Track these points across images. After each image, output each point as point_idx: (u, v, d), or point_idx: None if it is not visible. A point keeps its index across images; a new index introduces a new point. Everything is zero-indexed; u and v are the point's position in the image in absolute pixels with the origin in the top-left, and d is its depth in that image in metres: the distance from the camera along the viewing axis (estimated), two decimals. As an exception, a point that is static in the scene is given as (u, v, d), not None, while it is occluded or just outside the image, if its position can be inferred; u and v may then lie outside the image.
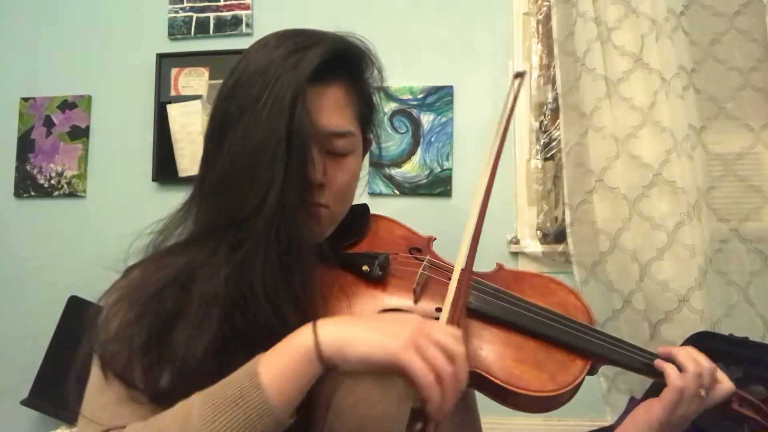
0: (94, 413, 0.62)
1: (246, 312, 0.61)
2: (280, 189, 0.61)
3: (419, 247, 0.79)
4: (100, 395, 0.63)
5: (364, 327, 0.55)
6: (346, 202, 0.75)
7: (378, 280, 0.72)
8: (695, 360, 0.68)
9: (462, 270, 0.66)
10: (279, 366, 0.54)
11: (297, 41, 0.67)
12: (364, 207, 0.83)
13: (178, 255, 0.67)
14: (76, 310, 1.95)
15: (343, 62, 0.70)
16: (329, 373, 0.65)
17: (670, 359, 0.70)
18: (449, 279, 0.68)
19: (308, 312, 0.63)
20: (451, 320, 0.60)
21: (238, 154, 0.63)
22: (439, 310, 0.68)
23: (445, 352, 0.54)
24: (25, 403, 1.91)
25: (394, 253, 0.76)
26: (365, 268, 0.71)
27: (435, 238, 0.82)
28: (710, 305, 1.64)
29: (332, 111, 0.68)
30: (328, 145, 0.69)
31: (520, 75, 0.83)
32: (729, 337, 1.44)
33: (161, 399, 0.60)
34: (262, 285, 0.61)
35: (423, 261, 0.76)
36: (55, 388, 1.87)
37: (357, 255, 0.74)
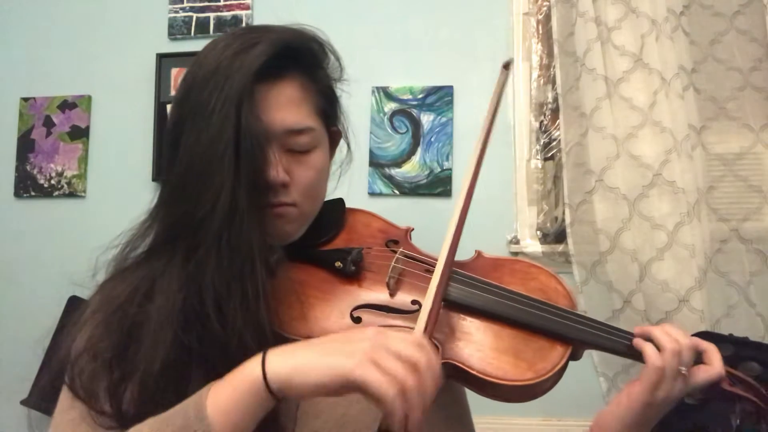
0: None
1: (196, 324, 0.60)
2: (230, 193, 0.60)
3: (396, 239, 0.78)
4: (65, 413, 0.64)
5: (315, 351, 0.53)
6: (316, 199, 0.73)
7: (352, 276, 0.71)
8: (672, 337, 0.66)
9: (442, 270, 0.65)
10: (226, 398, 0.52)
11: (244, 40, 0.65)
12: (340, 201, 0.81)
13: (138, 268, 0.66)
14: (76, 310, 1.95)
15: (294, 56, 0.68)
16: None
17: (647, 338, 0.67)
18: (424, 270, 0.68)
19: (261, 321, 0.61)
20: (425, 329, 0.56)
21: (190, 161, 0.63)
22: (414, 302, 0.67)
23: (405, 362, 0.50)
24: (25, 403, 1.91)
25: (368, 246, 0.75)
26: (338, 264, 0.70)
27: (413, 229, 0.80)
28: (710, 305, 1.64)
29: (286, 107, 0.67)
30: (288, 143, 0.67)
31: (507, 65, 0.81)
32: (729, 337, 1.44)
33: (125, 420, 0.60)
34: (212, 294, 0.60)
35: (396, 253, 0.74)
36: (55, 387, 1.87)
37: (329, 251, 0.73)
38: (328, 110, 0.75)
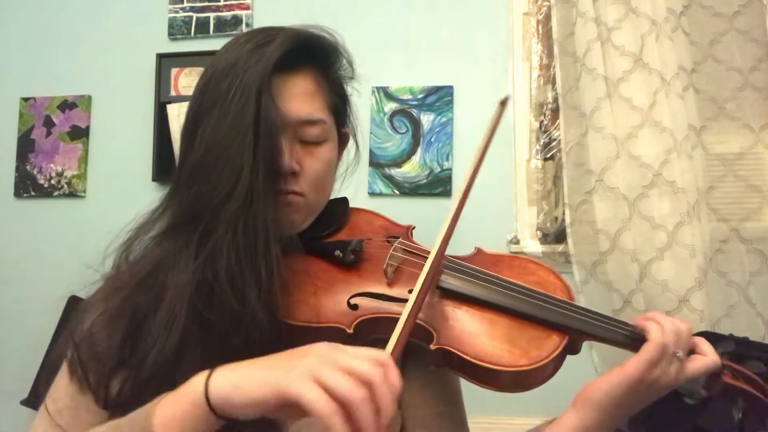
0: (56, 413, 0.65)
1: (211, 300, 0.62)
2: (249, 176, 0.63)
3: (397, 235, 0.79)
4: (63, 399, 0.66)
5: (258, 369, 0.51)
6: (323, 192, 0.75)
7: (351, 265, 0.72)
8: (672, 321, 0.67)
9: (431, 263, 0.65)
10: (172, 412, 0.52)
11: (263, 36, 0.69)
12: (344, 200, 0.84)
13: (153, 250, 0.68)
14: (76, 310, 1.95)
15: (310, 52, 0.72)
16: None
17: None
18: (423, 261, 0.68)
19: (272, 300, 0.64)
20: (394, 350, 0.53)
21: (208, 146, 0.65)
22: (411, 291, 0.67)
23: (356, 378, 0.47)
24: (25, 403, 1.91)
25: (368, 238, 0.77)
26: (338, 253, 0.72)
27: (414, 227, 0.82)
28: (710, 305, 1.64)
29: (301, 99, 0.70)
30: (300, 134, 0.70)
31: (504, 102, 0.83)
32: (730, 338, 1.44)
33: (117, 405, 0.62)
34: (227, 271, 0.62)
35: (394, 245, 0.76)
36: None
37: (330, 242, 0.75)
38: (340, 107, 0.78)
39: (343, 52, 0.77)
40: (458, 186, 1.95)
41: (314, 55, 0.73)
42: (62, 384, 0.67)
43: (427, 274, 0.62)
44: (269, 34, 0.69)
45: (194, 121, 0.68)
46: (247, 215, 0.63)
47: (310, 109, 0.71)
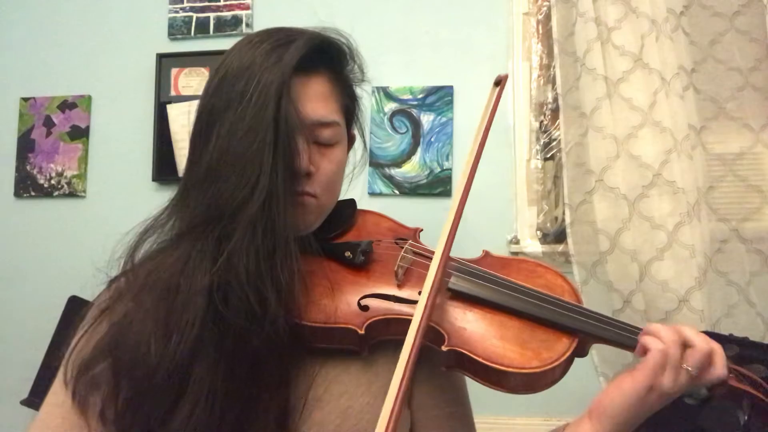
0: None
1: (230, 303, 0.62)
2: (269, 175, 0.63)
3: (405, 237, 0.80)
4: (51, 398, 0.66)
5: None
6: (334, 193, 0.76)
7: (361, 267, 0.73)
8: (671, 328, 0.66)
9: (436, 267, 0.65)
10: None
11: (279, 37, 0.69)
12: (351, 202, 0.84)
13: (168, 253, 0.67)
14: (76, 310, 1.94)
15: (326, 54, 0.72)
16: (310, 364, 0.67)
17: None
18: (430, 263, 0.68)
19: (291, 302, 0.63)
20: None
21: (225, 146, 0.64)
22: (421, 293, 0.68)
23: None
24: (25, 403, 1.91)
25: (378, 240, 0.77)
26: (348, 254, 0.72)
27: (422, 230, 0.83)
28: (710, 305, 1.64)
29: (317, 101, 0.70)
30: (314, 135, 0.70)
31: (498, 82, 0.83)
32: (729, 337, 1.44)
33: (118, 415, 0.62)
34: (246, 274, 0.61)
35: (404, 247, 0.76)
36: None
37: (339, 243, 0.75)
38: (351, 110, 0.80)
39: (355, 56, 0.78)
40: (457, 185, 1.95)
41: (330, 57, 0.74)
42: (55, 396, 0.66)
43: (430, 291, 0.62)
44: (286, 35, 0.69)
45: (207, 122, 0.67)
46: (267, 217, 0.62)
47: (326, 111, 0.71)
